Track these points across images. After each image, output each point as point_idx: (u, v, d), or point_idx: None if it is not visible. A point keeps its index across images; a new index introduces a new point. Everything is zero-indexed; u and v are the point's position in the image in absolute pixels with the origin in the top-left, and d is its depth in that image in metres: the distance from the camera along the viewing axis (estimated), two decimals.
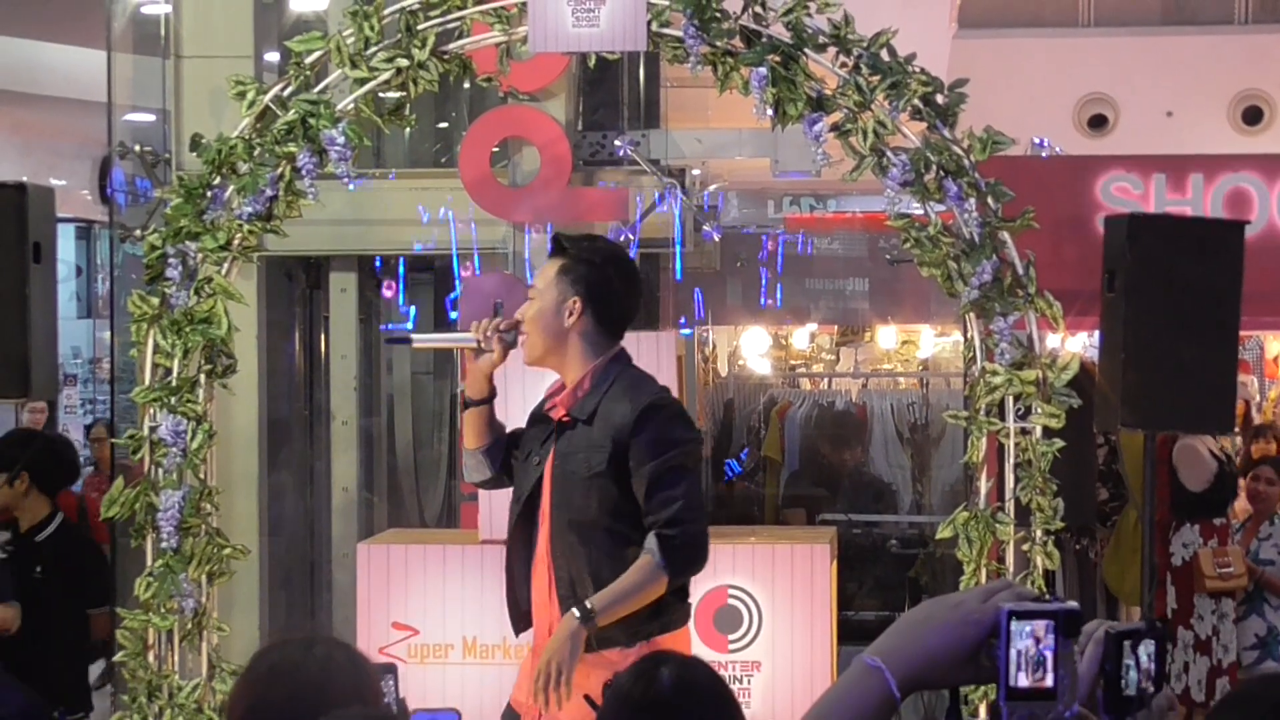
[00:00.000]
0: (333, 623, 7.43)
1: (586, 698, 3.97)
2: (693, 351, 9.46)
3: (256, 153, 5.54)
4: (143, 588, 5.54)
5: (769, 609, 5.95)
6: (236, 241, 5.58)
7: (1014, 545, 5.53)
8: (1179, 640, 7.98)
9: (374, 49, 5.54)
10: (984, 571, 5.47)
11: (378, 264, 7.81)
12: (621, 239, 6.87)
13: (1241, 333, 6.04)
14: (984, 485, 5.53)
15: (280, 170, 5.52)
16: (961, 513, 5.53)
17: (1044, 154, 9.65)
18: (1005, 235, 5.46)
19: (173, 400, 5.53)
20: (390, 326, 7.97)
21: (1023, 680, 1.87)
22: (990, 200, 5.45)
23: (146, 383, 5.59)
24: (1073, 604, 1.91)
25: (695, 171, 8.74)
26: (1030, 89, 13.26)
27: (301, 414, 7.85)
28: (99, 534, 7.94)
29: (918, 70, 5.46)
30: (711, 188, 9.69)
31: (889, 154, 5.44)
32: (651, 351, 5.68)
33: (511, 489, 4.63)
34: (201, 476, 5.59)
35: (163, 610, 5.52)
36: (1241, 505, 8.43)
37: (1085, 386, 5.71)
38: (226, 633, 5.75)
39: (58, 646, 6.52)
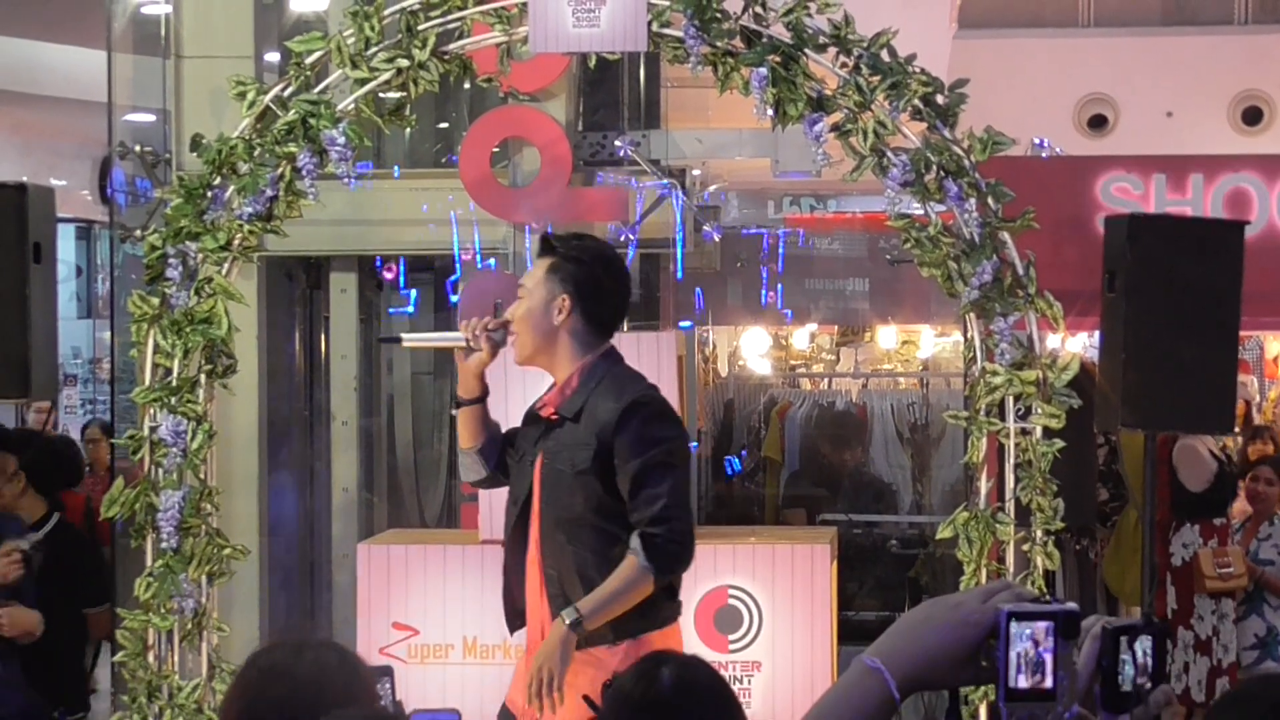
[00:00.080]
0: (333, 623, 7.42)
1: (586, 698, 3.98)
2: (693, 351, 9.46)
3: (257, 153, 5.54)
4: (143, 588, 5.54)
5: (769, 609, 5.94)
6: (237, 242, 5.58)
7: (1014, 545, 5.53)
8: (1179, 641, 7.98)
9: (374, 49, 5.54)
10: (984, 572, 5.47)
11: (378, 264, 7.81)
12: (621, 239, 6.88)
13: (1241, 333, 6.04)
14: (984, 485, 5.53)
15: (280, 170, 5.52)
16: (961, 513, 5.53)
17: (1044, 154, 9.65)
18: (1005, 235, 5.46)
19: (173, 400, 5.53)
20: (393, 312, 7.98)
21: (1022, 682, 1.87)
22: (990, 200, 5.45)
23: (146, 383, 5.59)
24: (1072, 605, 1.91)
25: (695, 172, 8.74)
26: (1030, 89, 13.26)
27: (301, 414, 7.85)
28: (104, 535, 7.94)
29: (918, 70, 5.46)
30: (712, 188, 9.70)
31: (889, 154, 5.44)
32: (651, 351, 5.69)
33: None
34: (201, 477, 5.59)
35: (163, 610, 5.52)
36: (1240, 506, 8.43)
37: (1085, 386, 5.71)
38: (226, 633, 5.75)
39: (56, 646, 6.52)
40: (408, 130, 6.55)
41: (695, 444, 9.08)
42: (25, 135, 14.92)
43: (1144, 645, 1.96)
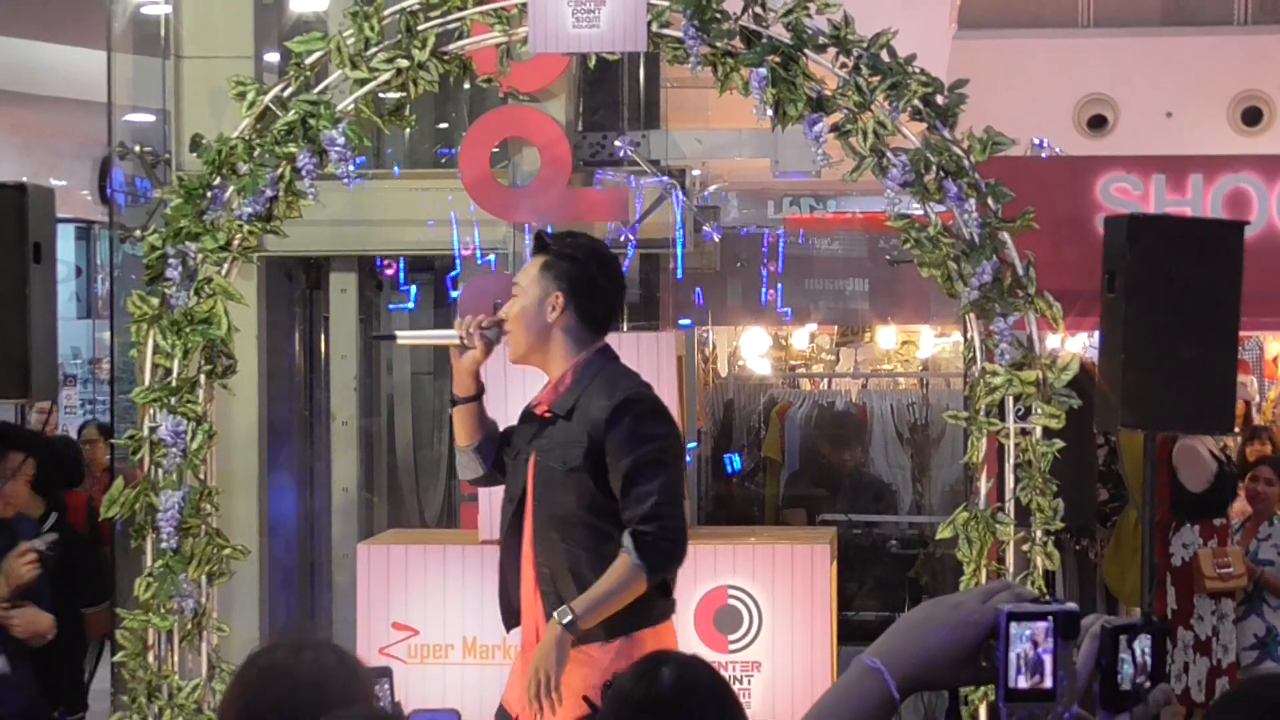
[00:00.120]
0: (333, 623, 7.42)
1: (585, 699, 3.99)
2: (693, 351, 9.46)
3: (256, 153, 5.54)
4: (142, 588, 5.55)
5: (769, 609, 5.94)
6: (236, 242, 5.58)
7: (1014, 546, 5.53)
8: (1179, 641, 7.98)
9: (374, 49, 5.54)
10: (984, 572, 5.47)
11: (378, 264, 7.81)
12: (621, 239, 6.88)
13: (1241, 333, 6.04)
14: (984, 485, 5.53)
15: (280, 171, 5.52)
16: (961, 513, 5.53)
17: (1044, 154, 9.65)
18: (1005, 236, 5.46)
19: (173, 401, 5.54)
20: (393, 308, 7.98)
21: (1022, 682, 1.87)
22: (990, 201, 5.45)
23: (146, 383, 5.59)
24: (1072, 605, 1.90)
25: (695, 172, 8.74)
26: (1030, 89, 13.26)
27: (301, 414, 7.85)
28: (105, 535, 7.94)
29: (918, 71, 5.46)
30: (711, 188, 9.69)
31: (889, 154, 5.44)
32: (651, 351, 5.69)
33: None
34: (201, 477, 5.59)
35: (162, 610, 5.52)
36: (1240, 506, 8.43)
37: (1085, 387, 5.71)
38: (226, 633, 5.75)
39: (56, 646, 6.51)
40: (407, 130, 6.55)
41: (695, 444, 9.09)
42: (25, 135, 14.93)
43: (1143, 644, 1.96)
